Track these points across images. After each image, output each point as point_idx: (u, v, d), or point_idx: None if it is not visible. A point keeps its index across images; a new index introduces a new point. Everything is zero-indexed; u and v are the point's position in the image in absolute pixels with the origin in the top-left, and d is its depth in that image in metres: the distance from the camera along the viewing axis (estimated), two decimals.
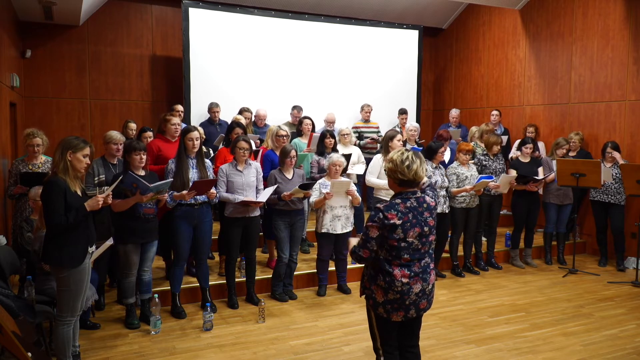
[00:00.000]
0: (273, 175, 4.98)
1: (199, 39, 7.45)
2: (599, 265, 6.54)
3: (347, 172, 5.77)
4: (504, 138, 7.30)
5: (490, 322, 4.65)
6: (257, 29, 7.82)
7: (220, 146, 5.80)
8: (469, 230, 6.04)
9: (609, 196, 6.29)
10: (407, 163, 2.69)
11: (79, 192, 3.32)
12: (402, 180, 2.71)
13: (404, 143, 6.86)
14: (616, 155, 6.23)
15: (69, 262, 3.25)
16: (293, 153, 4.99)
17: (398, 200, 2.71)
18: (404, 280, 2.68)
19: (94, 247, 3.48)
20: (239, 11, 7.77)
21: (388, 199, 5.36)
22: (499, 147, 6.24)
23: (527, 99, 8.17)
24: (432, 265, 2.82)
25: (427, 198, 2.80)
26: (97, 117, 7.91)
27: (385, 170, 2.81)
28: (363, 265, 2.88)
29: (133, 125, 6.16)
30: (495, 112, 7.82)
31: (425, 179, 2.90)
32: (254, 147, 5.48)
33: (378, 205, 2.70)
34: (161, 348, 4.01)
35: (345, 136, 6.25)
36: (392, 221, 2.62)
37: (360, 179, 6.32)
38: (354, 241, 2.87)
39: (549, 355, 3.99)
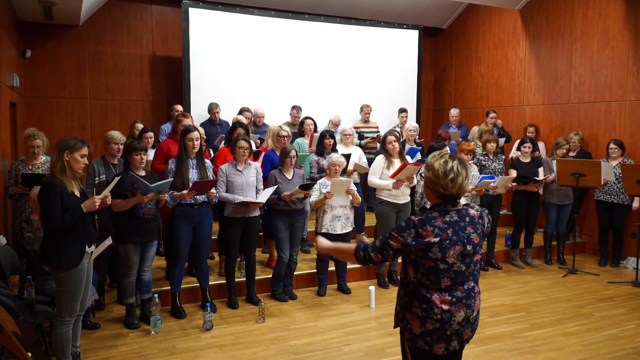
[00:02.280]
0: (273, 176, 4.98)
1: (199, 39, 7.45)
2: (599, 265, 6.54)
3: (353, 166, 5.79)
4: (501, 140, 7.30)
5: (490, 322, 4.65)
6: (257, 29, 7.82)
7: (221, 146, 5.80)
8: None
9: (612, 196, 6.29)
10: (451, 176, 2.23)
11: (77, 193, 3.31)
12: (443, 195, 2.28)
13: (403, 143, 6.87)
14: (617, 152, 6.24)
15: (67, 262, 3.25)
16: (293, 153, 4.99)
17: (435, 214, 2.26)
18: (445, 307, 2.22)
19: (92, 247, 3.47)
20: (239, 11, 7.77)
21: (390, 200, 5.44)
22: (493, 145, 6.22)
23: (527, 99, 8.17)
24: (477, 289, 2.36)
25: (471, 210, 2.34)
26: (97, 117, 7.91)
27: (422, 177, 2.47)
28: (363, 265, 2.46)
29: (140, 126, 6.16)
30: (492, 114, 7.81)
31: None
32: (254, 148, 5.49)
33: (412, 217, 2.26)
34: (161, 348, 4.01)
35: (348, 137, 6.25)
36: (426, 240, 2.18)
37: (361, 179, 6.32)
38: (324, 242, 2.59)
39: (549, 355, 3.99)
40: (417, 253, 2.21)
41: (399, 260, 2.39)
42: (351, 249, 2.39)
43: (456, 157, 2.30)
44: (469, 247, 2.25)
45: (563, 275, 6.16)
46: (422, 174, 2.45)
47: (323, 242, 2.58)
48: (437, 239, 2.18)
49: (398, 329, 2.41)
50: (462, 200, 2.39)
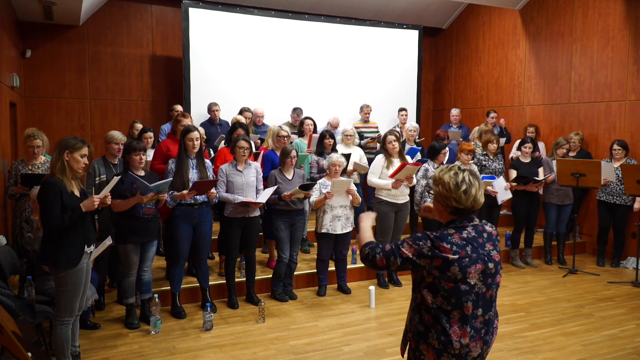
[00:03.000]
0: (273, 176, 4.98)
1: (199, 39, 7.45)
2: (597, 264, 6.55)
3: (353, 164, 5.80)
4: (502, 140, 7.30)
5: None
6: (257, 29, 7.82)
7: (222, 146, 5.81)
8: None
9: (615, 197, 6.29)
10: (463, 187, 2.08)
11: (77, 193, 3.31)
12: (457, 209, 2.12)
13: (403, 143, 6.87)
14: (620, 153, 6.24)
15: (66, 262, 3.25)
16: (294, 153, 4.99)
17: (451, 231, 2.10)
18: (463, 341, 2.06)
19: (92, 247, 3.47)
20: (239, 11, 7.77)
21: (389, 200, 5.44)
22: (494, 145, 6.23)
23: (527, 99, 8.17)
24: (496, 323, 2.20)
25: (487, 226, 2.20)
26: (97, 117, 7.91)
27: (429, 193, 2.25)
28: (363, 263, 2.27)
29: (139, 126, 6.16)
30: (493, 114, 7.81)
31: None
32: (254, 148, 5.49)
33: (428, 232, 2.11)
34: (161, 348, 4.01)
35: (349, 137, 6.25)
36: (443, 254, 2.02)
37: (361, 179, 6.32)
38: (366, 220, 2.38)
39: (549, 355, 3.99)
40: (435, 272, 2.05)
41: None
42: (364, 240, 2.26)
43: (465, 169, 2.17)
44: (490, 265, 2.10)
45: (563, 275, 6.16)
46: (431, 191, 2.25)
47: (366, 219, 2.38)
48: (455, 257, 2.02)
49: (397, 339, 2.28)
50: None
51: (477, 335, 2.10)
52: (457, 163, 5.84)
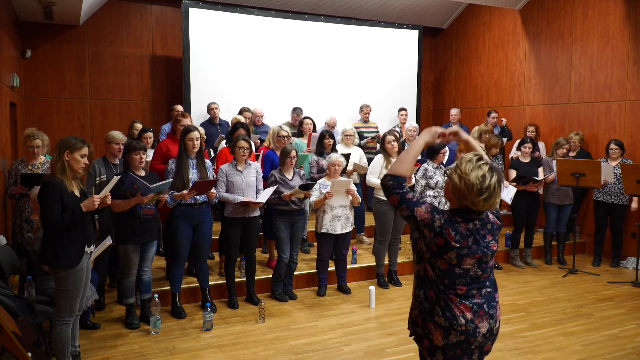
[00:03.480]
0: (273, 176, 4.98)
1: (199, 39, 7.45)
2: (593, 264, 6.55)
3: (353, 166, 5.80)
4: (504, 139, 7.31)
5: None
6: (257, 29, 7.83)
7: (223, 146, 5.81)
8: None
9: (612, 197, 6.29)
10: (485, 195, 2.00)
11: (77, 193, 3.31)
12: (468, 209, 2.07)
13: (403, 143, 6.88)
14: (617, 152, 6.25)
15: (66, 262, 3.25)
16: (293, 153, 4.99)
17: (459, 219, 2.06)
18: (468, 315, 2.05)
19: (92, 247, 3.47)
20: (239, 11, 7.77)
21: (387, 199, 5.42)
22: (497, 150, 6.26)
23: (527, 99, 8.17)
24: (497, 297, 2.19)
25: (491, 216, 2.18)
26: (97, 117, 7.91)
27: (446, 174, 2.13)
28: (384, 186, 2.15)
29: (139, 126, 6.16)
30: (494, 114, 7.81)
31: None
32: (254, 148, 5.49)
33: (445, 211, 2.09)
34: (161, 348, 4.01)
35: (349, 137, 6.25)
36: (447, 238, 2.01)
37: (361, 179, 6.32)
38: (427, 135, 2.22)
39: (549, 355, 3.99)
40: (433, 248, 2.04)
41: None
42: (401, 165, 2.13)
43: (494, 171, 2.04)
44: (487, 255, 2.11)
45: (563, 275, 6.16)
46: (447, 173, 2.16)
47: (425, 135, 2.22)
48: (457, 245, 2.02)
49: (401, 327, 2.25)
50: None
51: (481, 310, 2.07)
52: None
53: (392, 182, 2.10)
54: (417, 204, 2.05)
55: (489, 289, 2.15)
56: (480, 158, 2.06)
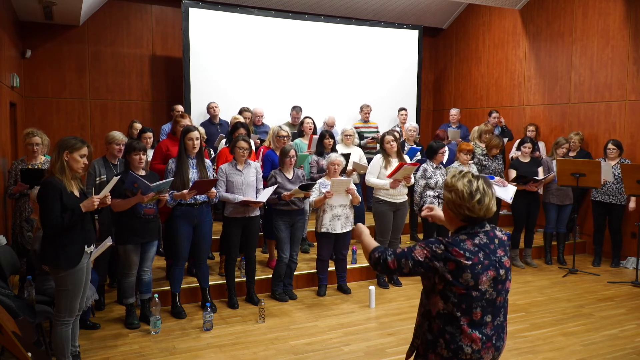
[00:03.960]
0: (273, 175, 4.98)
1: (199, 39, 7.45)
2: (593, 264, 6.55)
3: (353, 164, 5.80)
4: (504, 139, 7.30)
5: None
6: (257, 29, 7.83)
7: (223, 145, 5.81)
8: None
9: (610, 197, 6.30)
10: (477, 197, 2.04)
11: (77, 193, 3.31)
12: (468, 217, 2.08)
13: (403, 143, 6.87)
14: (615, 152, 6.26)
15: (66, 262, 3.25)
16: (292, 153, 4.99)
17: (463, 237, 2.06)
18: (475, 346, 2.03)
19: (92, 247, 3.47)
20: (239, 11, 7.77)
21: (387, 199, 5.44)
22: (497, 151, 6.27)
23: (527, 99, 8.17)
24: (506, 330, 2.17)
25: (497, 232, 2.17)
26: (97, 117, 7.91)
27: (429, 192, 2.19)
28: (374, 269, 2.20)
29: (138, 126, 6.16)
30: (495, 114, 7.81)
31: None
32: (253, 148, 5.49)
33: (440, 238, 2.09)
34: (161, 348, 4.01)
35: (349, 137, 6.25)
36: (457, 259, 1.99)
37: (361, 179, 6.32)
38: (363, 229, 2.35)
39: (549, 355, 3.99)
40: (447, 277, 2.00)
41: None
42: (370, 246, 2.20)
43: (480, 176, 2.12)
44: (501, 272, 2.06)
45: (563, 275, 6.16)
46: (429, 192, 2.17)
47: (362, 229, 2.35)
48: (469, 263, 1.98)
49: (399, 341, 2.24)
50: None
51: (489, 342, 2.07)
52: (456, 164, 5.85)
53: (377, 252, 2.14)
54: (411, 250, 2.08)
55: (501, 319, 2.13)
56: (463, 173, 2.13)
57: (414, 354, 2.19)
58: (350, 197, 5.10)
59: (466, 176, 2.09)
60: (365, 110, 7.79)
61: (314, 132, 6.50)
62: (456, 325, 2.03)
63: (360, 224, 2.43)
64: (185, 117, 5.18)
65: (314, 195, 5.00)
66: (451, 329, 2.04)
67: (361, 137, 7.55)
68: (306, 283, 5.50)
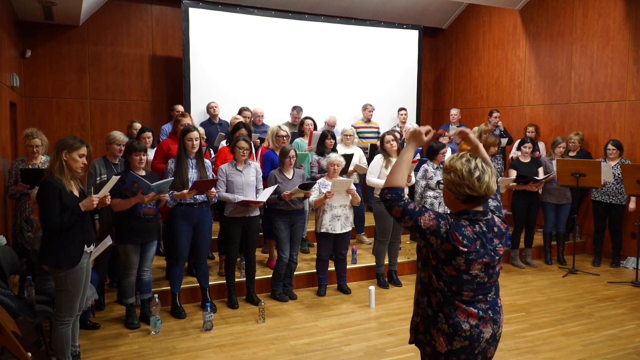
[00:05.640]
0: (273, 175, 4.98)
1: (199, 39, 7.45)
2: (593, 264, 6.55)
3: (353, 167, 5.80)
4: (504, 140, 7.30)
5: None
6: (257, 29, 7.83)
7: (223, 145, 5.81)
8: None
9: (610, 197, 6.29)
10: (477, 174, 2.03)
11: (76, 193, 3.31)
12: (470, 197, 2.06)
13: (402, 143, 6.87)
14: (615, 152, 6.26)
15: (65, 262, 3.25)
16: (292, 153, 4.99)
17: (465, 222, 2.07)
18: (472, 322, 2.07)
19: (92, 246, 3.47)
20: (239, 11, 7.77)
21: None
22: (496, 148, 6.26)
23: (527, 99, 8.17)
24: (500, 303, 2.20)
25: (497, 219, 2.17)
26: (97, 117, 7.91)
27: (441, 181, 2.17)
28: (383, 203, 2.17)
29: (138, 126, 6.16)
30: (496, 114, 7.81)
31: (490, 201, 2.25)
32: (253, 148, 5.49)
33: (449, 216, 2.10)
34: (161, 348, 4.01)
35: (348, 137, 6.25)
36: (455, 243, 2.01)
37: (361, 179, 6.32)
38: (411, 149, 2.23)
39: (549, 355, 3.99)
40: (440, 255, 2.05)
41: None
42: (394, 178, 2.14)
43: (477, 157, 2.13)
44: (495, 259, 2.11)
45: (563, 275, 6.16)
46: (429, 192, 2.14)
47: (410, 150, 2.24)
48: (465, 249, 2.01)
49: (403, 329, 2.23)
50: (492, 202, 2.25)
51: (487, 316, 2.10)
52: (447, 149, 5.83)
53: (390, 195, 2.12)
54: (420, 213, 2.06)
55: (493, 295, 2.16)
56: (460, 155, 2.12)
57: (416, 331, 2.20)
58: (350, 197, 5.10)
59: (464, 156, 2.10)
60: (368, 109, 7.80)
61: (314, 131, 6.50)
62: (451, 302, 2.08)
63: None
64: (187, 116, 5.18)
65: (314, 195, 5.00)
66: (449, 304, 2.08)
67: (361, 137, 7.56)
68: (306, 283, 5.50)
